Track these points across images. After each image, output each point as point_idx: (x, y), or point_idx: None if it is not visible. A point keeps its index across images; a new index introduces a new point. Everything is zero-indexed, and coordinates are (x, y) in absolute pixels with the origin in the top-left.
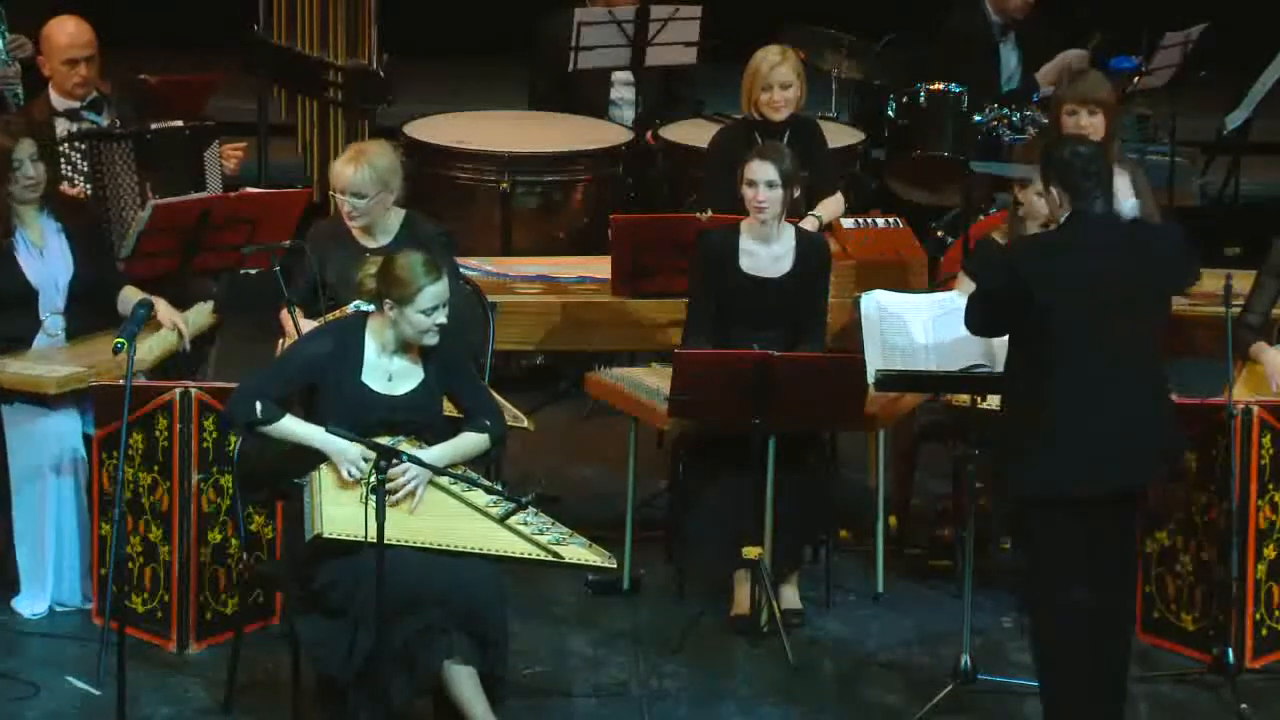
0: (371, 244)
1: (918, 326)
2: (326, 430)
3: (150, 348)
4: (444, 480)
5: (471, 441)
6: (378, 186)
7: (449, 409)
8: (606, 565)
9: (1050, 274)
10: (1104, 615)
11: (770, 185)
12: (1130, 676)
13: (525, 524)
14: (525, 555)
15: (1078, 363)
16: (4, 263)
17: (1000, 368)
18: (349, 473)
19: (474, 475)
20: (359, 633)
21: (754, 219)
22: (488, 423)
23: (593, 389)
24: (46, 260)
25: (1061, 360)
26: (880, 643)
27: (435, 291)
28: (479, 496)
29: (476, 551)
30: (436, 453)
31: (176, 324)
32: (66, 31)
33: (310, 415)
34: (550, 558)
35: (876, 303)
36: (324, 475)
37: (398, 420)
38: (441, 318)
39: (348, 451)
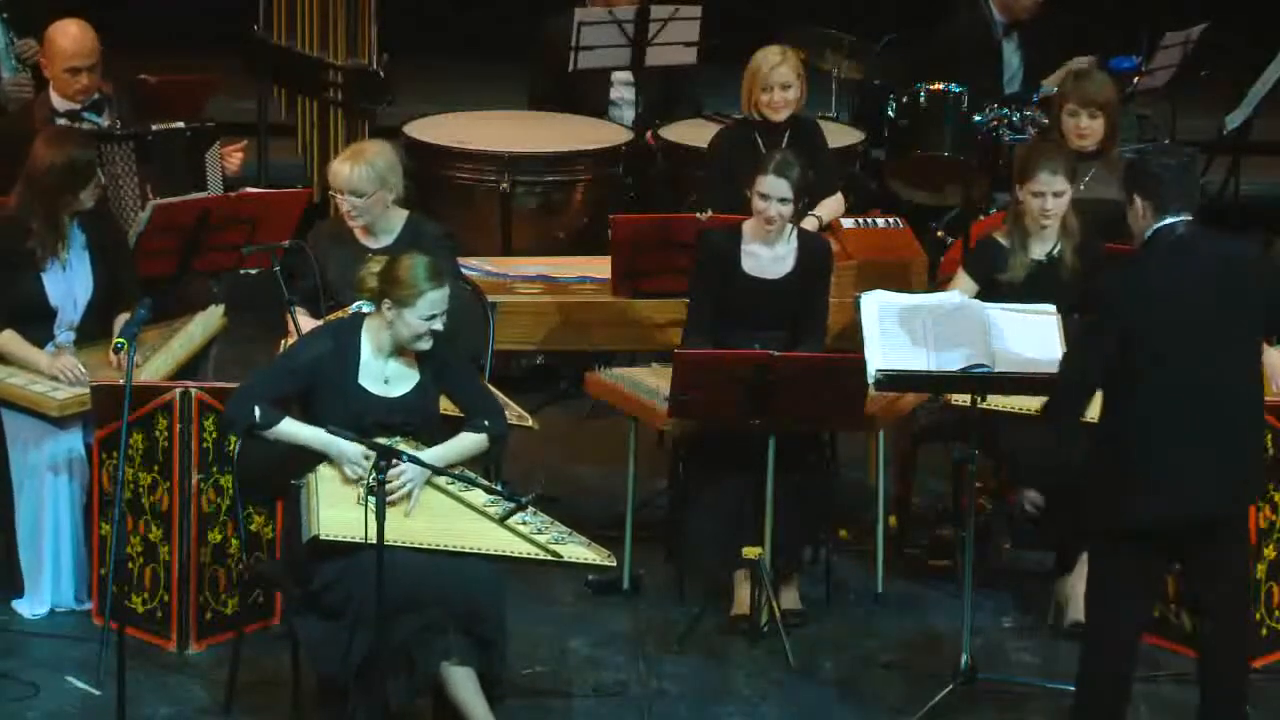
0: (373, 244)
1: (917, 326)
2: (327, 431)
3: (158, 368)
4: (442, 480)
5: (470, 441)
6: (376, 184)
7: (449, 409)
8: (606, 564)
9: (1145, 306)
10: (1212, 642)
11: (783, 201)
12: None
13: (524, 523)
14: (524, 555)
15: (1167, 393)
16: (32, 279)
17: (999, 368)
18: (352, 471)
19: (472, 475)
20: (358, 633)
21: (761, 228)
22: (486, 422)
23: (593, 389)
24: (69, 278)
25: (1152, 392)
26: (880, 643)
27: (435, 298)
28: (478, 496)
29: (475, 551)
30: (435, 453)
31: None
32: (70, 37)
33: (307, 416)
34: (549, 557)
35: (876, 303)
36: (321, 477)
37: (394, 422)
38: (438, 325)
39: (348, 451)
